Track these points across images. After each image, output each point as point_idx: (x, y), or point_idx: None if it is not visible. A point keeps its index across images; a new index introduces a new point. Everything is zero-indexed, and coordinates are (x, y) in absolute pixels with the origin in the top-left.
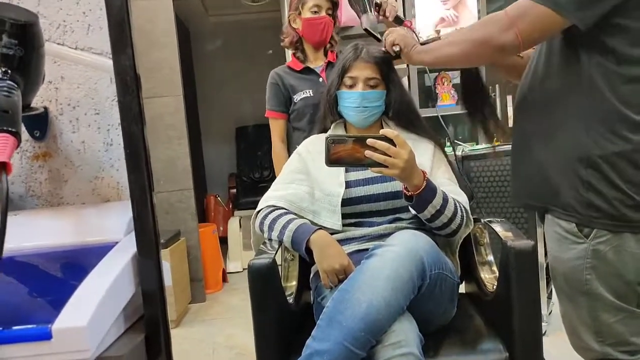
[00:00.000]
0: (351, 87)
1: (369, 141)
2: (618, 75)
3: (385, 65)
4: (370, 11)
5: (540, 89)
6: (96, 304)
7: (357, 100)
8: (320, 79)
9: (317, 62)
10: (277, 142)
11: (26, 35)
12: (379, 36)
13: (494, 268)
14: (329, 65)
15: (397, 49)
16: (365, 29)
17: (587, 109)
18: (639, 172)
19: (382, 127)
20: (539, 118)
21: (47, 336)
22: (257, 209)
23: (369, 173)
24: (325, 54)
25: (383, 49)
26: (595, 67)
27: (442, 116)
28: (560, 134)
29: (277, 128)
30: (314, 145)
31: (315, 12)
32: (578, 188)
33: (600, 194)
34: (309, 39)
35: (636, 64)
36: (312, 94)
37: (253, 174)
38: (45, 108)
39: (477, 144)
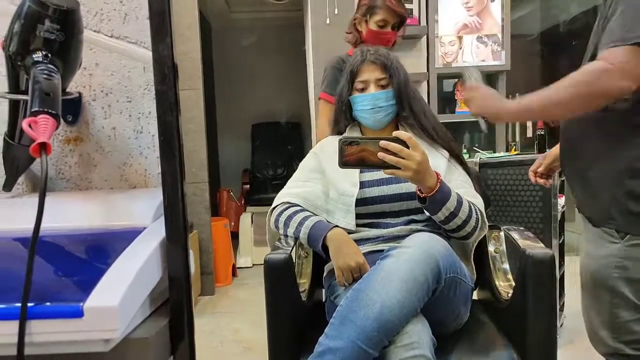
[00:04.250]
0: (363, 90)
1: (382, 143)
2: None
3: (392, 63)
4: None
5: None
6: (127, 285)
7: (371, 102)
8: None
9: None
10: (324, 125)
11: (67, 21)
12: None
13: (509, 276)
14: None
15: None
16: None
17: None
18: None
19: (397, 130)
20: (588, 137)
21: (79, 314)
22: (273, 206)
23: (383, 174)
24: None
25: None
26: None
27: (460, 123)
28: (611, 148)
29: (327, 111)
30: (329, 145)
31: (382, 26)
32: (620, 196)
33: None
34: (371, 45)
35: None
36: None
37: (267, 171)
38: (79, 93)
39: (494, 152)
